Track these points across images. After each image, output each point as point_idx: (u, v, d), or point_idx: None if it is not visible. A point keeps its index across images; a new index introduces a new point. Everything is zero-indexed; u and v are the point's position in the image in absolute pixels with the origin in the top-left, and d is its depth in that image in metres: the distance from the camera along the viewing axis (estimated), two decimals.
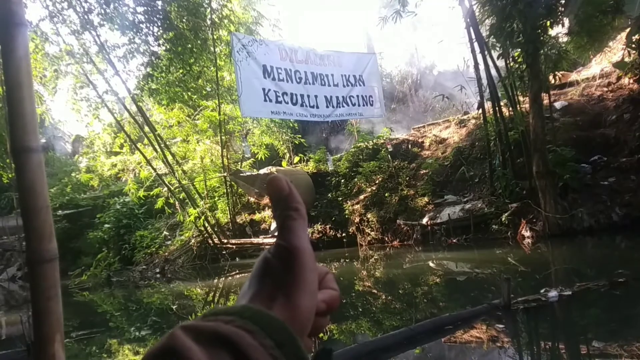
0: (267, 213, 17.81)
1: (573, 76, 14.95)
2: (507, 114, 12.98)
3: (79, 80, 15.80)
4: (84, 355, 6.50)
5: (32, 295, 1.54)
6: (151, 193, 17.63)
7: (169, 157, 16.66)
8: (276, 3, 41.19)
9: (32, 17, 14.51)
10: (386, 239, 14.38)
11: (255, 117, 17.38)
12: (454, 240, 12.35)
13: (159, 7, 12.89)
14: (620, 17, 11.97)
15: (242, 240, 16.78)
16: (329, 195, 16.78)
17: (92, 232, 20.43)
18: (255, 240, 16.75)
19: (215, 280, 13.32)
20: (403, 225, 13.97)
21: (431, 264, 10.71)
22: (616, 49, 14.28)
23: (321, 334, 5.81)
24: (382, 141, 17.51)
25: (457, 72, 21.65)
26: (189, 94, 15.67)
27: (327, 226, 15.89)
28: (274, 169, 17.18)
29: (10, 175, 13.90)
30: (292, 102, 14.79)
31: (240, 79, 13.74)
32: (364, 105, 16.69)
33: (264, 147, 18.89)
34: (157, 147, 16.31)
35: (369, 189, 15.87)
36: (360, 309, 6.78)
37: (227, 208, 17.85)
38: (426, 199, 14.19)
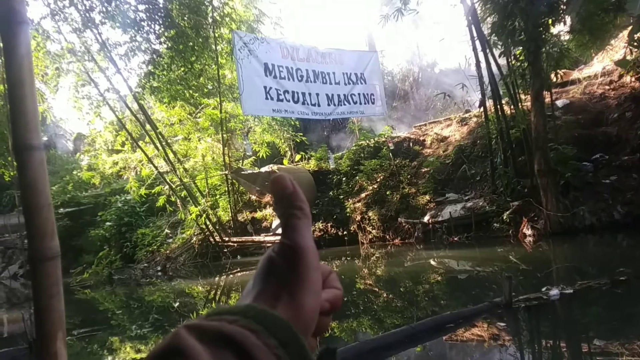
0: (269, 211, 17.81)
1: (575, 74, 14.93)
2: (508, 112, 12.96)
3: (81, 78, 15.81)
4: (86, 353, 6.51)
5: (34, 293, 1.54)
6: (152, 191, 17.64)
7: (171, 155, 16.66)
8: (277, 1, 41.18)
9: (34, 15, 14.54)
10: (387, 237, 14.38)
11: (257, 115, 17.38)
12: (456, 239, 12.35)
13: (161, 5, 12.88)
14: (622, 15, 11.95)
15: (244, 238, 16.78)
16: (331, 193, 16.78)
17: (94, 230, 20.45)
18: (256, 238, 16.75)
19: (217, 278, 13.34)
20: (404, 224, 13.97)
21: (432, 262, 10.71)
22: (618, 47, 14.26)
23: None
24: (383, 139, 17.50)
25: (459, 70, 21.64)
26: (191, 91, 15.66)
27: (329, 224, 15.89)
28: (275, 167, 17.18)
29: (12, 173, 13.93)
30: (293, 100, 14.79)
31: (241, 77, 13.74)
32: (365, 103, 16.69)
33: (266, 145, 18.89)
34: (158, 145, 16.32)
35: (371, 187, 15.86)
36: (362, 307, 6.79)
37: (229, 206, 17.85)
38: (427, 197, 14.19)
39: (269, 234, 16.87)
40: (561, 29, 12.77)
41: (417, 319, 4.99)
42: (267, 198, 17.86)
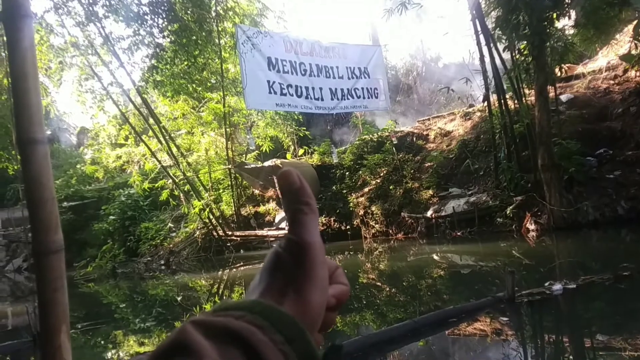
0: (272, 205, 17.83)
1: (579, 69, 14.87)
2: (512, 106, 12.92)
3: (84, 72, 15.81)
4: (90, 346, 6.54)
5: (38, 286, 1.55)
6: (156, 185, 17.66)
7: (174, 149, 16.68)
8: None
9: (38, 9, 14.54)
10: (390, 231, 14.39)
11: (260, 110, 17.37)
12: (459, 233, 12.34)
13: None
14: (627, 10, 11.88)
15: (247, 233, 16.81)
16: (334, 187, 16.78)
17: (97, 224, 20.51)
18: (259, 232, 16.78)
19: (220, 272, 13.37)
20: (407, 218, 13.96)
21: (435, 257, 10.71)
22: (623, 42, 14.19)
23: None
24: (386, 134, 17.47)
25: (463, 65, 21.57)
26: (194, 86, 15.66)
27: (332, 219, 15.90)
28: (278, 161, 17.17)
29: (16, 167, 13.97)
30: (296, 95, 14.77)
31: (244, 71, 13.73)
32: (368, 97, 16.65)
33: (269, 139, 18.89)
34: (161, 139, 16.34)
35: (374, 182, 15.86)
36: (365, 302, 6.80)
37: (232, 200, 17.88)
38: (431, 191, 14.18)
39: (272, 228, 16.89)
40: (566, 23, 12.72)
41: (419, 313, 5.00)
42: (270, 192, 17.87)
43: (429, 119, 18.38)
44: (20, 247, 22.70)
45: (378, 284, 8.33)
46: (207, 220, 16.63)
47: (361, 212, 15.26)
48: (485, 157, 14.07)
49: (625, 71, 13.20)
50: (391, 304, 6.59)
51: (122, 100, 17.95)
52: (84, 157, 23.44)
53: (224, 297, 9.31)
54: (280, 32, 15.52)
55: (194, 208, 16.29)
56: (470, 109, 17.02)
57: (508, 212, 11.57)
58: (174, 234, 18.47)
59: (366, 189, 15.78)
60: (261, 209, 18.01)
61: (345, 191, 16.28)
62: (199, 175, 17.80)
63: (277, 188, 0.51)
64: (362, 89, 16.43)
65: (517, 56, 12.07)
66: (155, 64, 13.96)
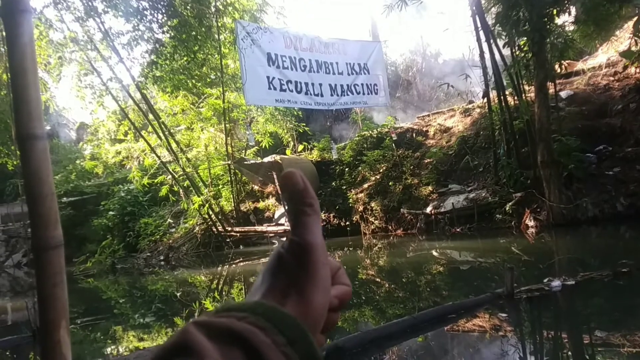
0: (271, 201, 17.83)
1: (579, 65, 14.86)
2: (512, 103, 12.92)
3: (83, 68, 15.80)
4: (89, 342, 6.55)
5: (37, 281, 1.55)
6: (155, 181, 17.66)
7: (173, 145, 16.68)
8: None
9: (36, 4, 14.51)
10: (390, 227, 14.39)
11: (260, 105, 17.35)
12: (458, 230, 12.35)
13: None
14: (628, 6, 11.87)
15: (246, 228, 16.82)
16: (333, 183, 16.79)
17: (97, 220, 20.52)
18: (259, 228, 16.79)
19: (219, 268, 13.38)
20: (407, 214, 13.97)
21: (434, 253, 10.72)
22: (623, 38, 14.18)
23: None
24: (386, 130, 17.46)
25: (463, 61, 21.55)
26: (193, 81, 15.65)
27: (331, 215, 15.92)
28: (278, 157, 17.18)
29: (15, 163, 13.97)
30: (296, 90, 14.75)
31: (244, 67, 13.71)
32: (368, 93, 16.65)
33: (268, 135, 18.88)
34: (161, 134, 16.33)
35: (373, 178, 15.86)
36: (364, 298, 6.81)
37: (231, 196, 17.89)
38: (430, 188, 14.18)
39: (272, 224, 16.90)
40: (566, 20, 12.69)
41: (418, 309, 5.00)
42: (270, 188, 17.88)
43: (428, 115, 18.36)
44: (20, 242, 22.73)
45: (377, 280, 8.34)
46: (206, 216, 16.64)
47: (360, 208, 15.27)
48: (485, 153, 14.07)
49: (625, 68, 13.19)
50: (390, 300, 6.60)
51: (121, 95, 17.95)
52: (84, 152, 23.37)
53: (223, 293, 9.32)
54: (280, 28, 15.50)
55: (193, 204, 16.30)
56: (470, 105, 17.01)
57: (507, 208, 11.58)
58: (173, 230, 18.48)
59: (365, 185, 15.78)
60: (261, 204, 18.02)
61: (344, 187, 16.28)
62: (199, 171, 17.81)
63: (280, 189, 0.51)
64: (362, 85, 16.42)
65: (517, 52, 12.06)
66: (155, 60, 13.96)
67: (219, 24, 14.86)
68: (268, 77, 14.12)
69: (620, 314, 4.55)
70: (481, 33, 12.97)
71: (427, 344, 4.38)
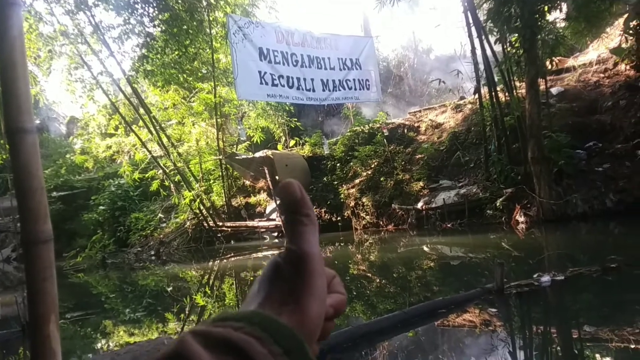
0: (263, 196, 17.82)
1: (570, 62, 14.92)
2: (503, 99, 12.96)
3: (74, 61, 15.68)
4: (79, 336, 6.53)
5: (27, 276, 1.54)
6: (146, 175, 17.60)
7: (164, 140, 16.62)
8: None
9: None
10: (381, 223, 14.43)
11: (251, 100, 17.31)
12: (449, 225, 12.40)
13: None
14: (618, 3, 11.95)
15: (237, 223, 16.81)
16: (325, 179, 16.80)
17: (87, 214, 20.42)
18: (250, 223, 16.78)
19: (210, 263, 13.37)
20: (398, 210, 14.01)
21: (425, 249, 10.75)
22: (613, 35, 14.25)
23: None
24: (378, 125, 17.47)
25: (454, 57, 21.58)
26: (185, 75, 15.59)
27: (323, 210, 15.93)
28: (269, 152, 17.14)
29: (4, 156, 13.86)
30: (288, 85, 14.73)
31: (236, 61, 13.66)
32: (360, 89, 16.64)
33: (260, 130, 18.84)
34: (152, 129, 16.26)
35: (365, 173, 15.88)
36: (355, 293, 6.82)
37: (223, 191, 17.86)
38: (421, 183, 14.22)
39: (263, 219, 16.90)
40: (557, 16, 12.76)
41: (409, 304, 5.02)
42: (261, 183, 17.86)
43: (420, 111, 18.39)
44: (9, 237, 22.58)
45: (368, 275, 8.36)
46: (197, 211, 16.61)
47: (352, 204, 15.29)
48: (476, 149, 14.12)
49: (616, 64, 13.27)
50: (381, 295, 6.62)
51: (112, 89, 17.85)
52: (74, 146, 23.29)
53: (214, 288, 9.31)
54: (271, 23, 15.45)
55: (184, 199, 16.26)
56: (461, 101, 17.05)
57: (498, 204, 11.63)
58: (164, 225, 18.43)
59: (357, 181, 15.80)
60: (252, 199, 18.00)
61: (336, 182, 16.29)
62: (190, 166, 17.76)
63: (277, 198, 0.51)
64: (354, 80, 16.41)
65: (509, 49, 12.09)
66: (146, 54, 13.88)
67: (211, 18, 14.80)
68: (260, 72, 14.09)
69: (608, 310, 4.59)
70: (473, 29, 13.01)
71: (417, 338, 4.40)
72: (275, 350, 0.39)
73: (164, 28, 13.24)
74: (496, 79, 13.04)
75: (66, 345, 5.37)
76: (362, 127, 17.86)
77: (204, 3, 14.29)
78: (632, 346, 3.46)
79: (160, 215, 18.93)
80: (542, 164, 10.54)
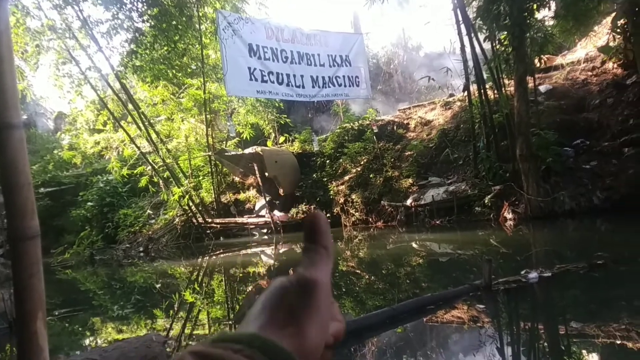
0: (252, 193, 17.79)
1: (558, 60, 15.01)
2: (492, 96, 13.03)
3: (61, 56, 15.54)
4: (67, 333, 6.49)
5: (13, 272, 1.53)
6: (135, 171, 17.51)
7: (153, 136, 16.53)
8: None
9: None
10: (370, 219, 14.46)
11: (241, 97, 17.25)
12: (437, 222, 12.45)
13: None
14: (606, 2, 12.03)
15: (227, 220, 16.77)
16: (314, 175, 16.80)
17: (75, 210, 20.28)
18: (239, 219, 16.75)
19: (199, 259, 13.33)
20: (387, 207, 14.04)
21: (414, 245, 10.80)
22: (601, 34, 14.35)
23: None
24: (367, 122, 17.49)
25: (444, 54, 21.64)
26: (174, 71, 15.49)
27: (312, 206, 15.92)
28: (259, 148, 17.12)
29: None
30: (277, 82, 14.69)
31: (225, 57, 13.61)
32: (350, 85, 16.63)
33: (249, 126, 18.79)
34: (140, 125, 16.17)
35: (354, 170, 15.90)
36: (344, 289, 6.84)
37: (212, 187, 17.81)
38: (410, 180, 14.27)
39: (252, 215, 16.88)
40: (545, 15, 12.81)
41: (398, 300, 5.04)
42: (251, 180, 17.82)
43: (409, 108, 18.42)
44: None
45: (357, 271, 8.38)
46: (186, 207, 16.55)
47: (341, 200, 15.31)
48: (465, 146, 14.18)
49: (603, 63, 13.36)
50: (370, 291, 6.65)
51: (100, 85, 17.70)
52: (62, 142, 23.08)
53: (203, 285, 9.30)
54: (261, 19, 15.39)
55: (173, 195, 16.19)
56: (451, 99, 17.11)
57: (486, 201, 11.70)
58: (153, 221, 18.35)
59: (346, 177, 15.82)
60: (241, 196, 17.97)
61: (325, 179, 16.30)
62: (179, 162, 17.69)
63: (303, 225, 0.53)
64: (344, 77, 16.40)
65: (498, 46, 12.14)
66: (135, 49, 13.78)
67: (200, 14, 14.71)
68: (249, 68, 14.04)
69: (595, 306, 4.63)
70: (462, 27, 13.05)
71: (406, 335, 4.42)
72: None
73: (153, 23, 13.15)
74: (485, 76, 13.10)
75: (53, 342, 5.34)
76: (351, 124, 17.86)
77: None
78: (618, 342, 3.50)
79: (149, 211, 18.84)
80: (530, 162, 10.61)
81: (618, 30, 12.27)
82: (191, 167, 18.16)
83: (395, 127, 17.05)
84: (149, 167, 16.77)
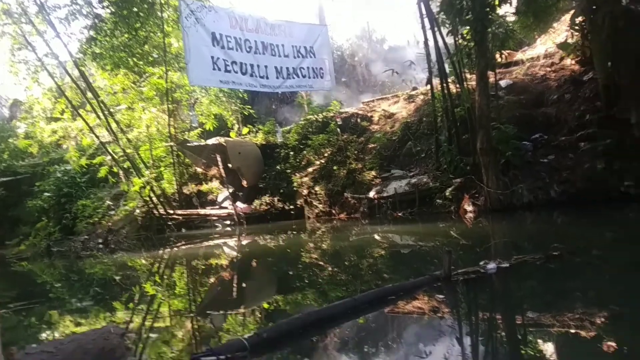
0: (215, 184, 17.63)
1: (518, 55, 15.29)
2: (454, 90, 13.18)
3: (17, 42, 15.11)
4: (22, 327, 6.32)
5: None
6: (94, 161, 17.17)
7: (113, 125, 16.21)
8: None
9: None
10: (333, 211, 14.51)
11: (204, 86, 17.04)
12: (400, 214, 12.57)
13: None
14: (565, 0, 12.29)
15: (189, 211, 16.59)
16: (278, 167, 16.74)
17: (31, 201, 19.78)
18: (202, 211, 16.60)
19: (161, 251, 13.16)
20: (350, 199, 14.10)
21: (377, 237, 10.87)
22: (560, 30, 14.65)
23: (267, 305, 5.84)
24: (331, 114, 17.51)
25: (408, 47, 21.79)
26: (135, 59, 15.17)
27: (275, 198, 15.89)
28: (222, 139, 16.95)
29: None
30: (241, 72, 14.53)
31: (188, 46, 13.40)
32: (314, 77, 16.58)
33: (213, 117, 18.58)
34: (100, 114, 15.84)
35: (318, 162, 15.91)
36: (307, 281, 6.85)
37: (174, 178, 17.56)
38: (374, 172, 14.36)
39: (215, 207, 16.73)
40: (507, 10, 13.02)
41: (360, 292, 5.07)
42: (214, 171, 17.65)
43: (373, 101, 18.51)
44: None
45: (320, 263, 8.40)
46: (147, 199, 16.30)
47: (305, 192, 15.31)
48: (427, 139, 14.33)
49: (562, 59, 13.67)
50: (333, 282, 6.67)
51: (58, 72, 17.26)
52: (17, 130, 22.44)
53: (164, 277, 9.18)
54: (225, 7, 15.23)
55: (133, 186, 15.92)
56: (414, 92, 17.25)
57: (447, 193, 11.86)
58: (112, 212, 18.02)
59: (310, 169, 15.81)
60: (204, 187, 17.79)
61: (289, 171, 16.27)
62: (140, 152, 17.37)
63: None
64: (308, 68, 16.33)
65: (460, 41, 12.29)
66: (94, 36, 13.43)
67: (162, 1, 14.42)
68: (212, 58, 13.84)
69: (551, 296, 4.74)
70: (426, 20, 13.15)
71: (367, 325, 4.46)
72: None
73: (113, 10, 12.82)
74: (448, 70, 13.25)
75: (8, 336, 5.20)
76: (315, 116, 17.85)
77: None
78: (572, 331, 3.59)
79: (108, 202, 18.48)
80: (490, 155, 10.79)
81: (576, 27, 12.55)
82: (152, 157, 17.85)
83: (359, 120, 17.11)
84: (109, 157, 16.45)
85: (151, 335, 4.93)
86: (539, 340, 3.63)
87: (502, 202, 10.74)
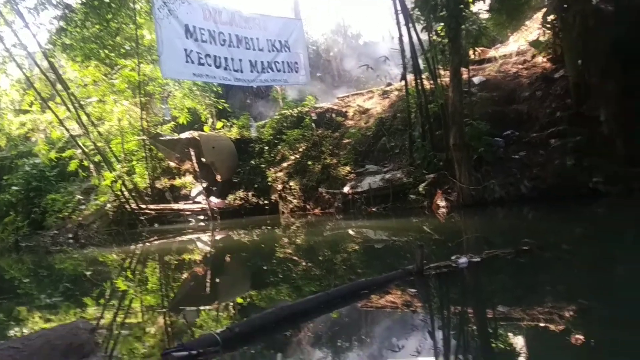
0: (188, 179, 17.47)
1: (491, 52, 15.46)
2: (428, 86, 13.27)
3: None
4: None
5: None
6: (64, 155, 16.87)
7: (84, 118, 15.94)
8: None
9: None
10: (308, 206, 14.52)
11: (177, 79, 16.83)
12: (374, 209, 12.63)
13: None
14: None
15: (162, 206, 16.42)
16: (252, 162, 16.68)
17: None
18: (175, 206, 16.44)
19: (133, 247, 12.99)
20: (325, 194, 14.12)
21: (351, 232, 10.91)
22: (532, 28, 14.86)
23: (240, 300, 5.81)
24: (306, 109, 17.49)
25: (382, 43, 21.86)
26: (106, 51, 14.94)
27: (250, 193, 15.84)
28: (196, 133, 16.80)
29: None
30: (215, 65, 14.37)
31: (160, 38, 13.20)
32: (289, 71, 16.49)
33: (186, 110, 18.38)
34: (70, 106, 15.55)
35: (293, 157, 15.88)
36: (281, 275, 6.84)
37: (146, 172, 17.35)
38: (348, 168, 14.39)
39: (189, 201, 16.59)
40: (480, 8, 13.14)
41: (334, 286, 5.08)
42: (187, 165, 17.49)
43: (348, 96, 18.55)
44: None
45: (294, 258, 8.39)
46: (119, 193, 16.09)
47: (279, 187, 15.28)
48: (401, 135, 14.42)
49: (534, 57, 13.86)
50: (306, 277, 6.66)
51: (26, 63, 16.89)
52: None
53: (136, 272, 9.07)
54: None
55: (105, 180, 15.68)
56: (388, 88, 17.33)
57: (421, 189, 11.96)
58: (83, 207, 17.74)
59: (285, 164, 15.78)
60: (177, 182, 17.62)
61: (263, 166, 16.22)
62: (111, 146, 17.11)
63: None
64: (283, 62, 16.23)
65: (434, 37, 12.37)
66: (64, 26, 13.18)
67: None
68: (185, 50, 13.66)
69: (521, 290, 4.81)
70: (401, 16, 13.20)
71: (340, 319, 4.46)
72: None
73: (84, 0, 12.59)
74: (422, 66, 13.32)
75: None
76: (290, 111, 17.81)
77: None
78: (542, 325, 3.65)
79: (78, 196, 18.20)
80: (463, 151, 10.91)
81: (548, 25, 12.74)
82: (124, 151, 17.59)
83: (333, 115, 17.12)
84: (79, 151, 16.18)
85: (122, 331, 4.86)
86: (509, 334, 3.67)
87: (474, 198, 10.87)
